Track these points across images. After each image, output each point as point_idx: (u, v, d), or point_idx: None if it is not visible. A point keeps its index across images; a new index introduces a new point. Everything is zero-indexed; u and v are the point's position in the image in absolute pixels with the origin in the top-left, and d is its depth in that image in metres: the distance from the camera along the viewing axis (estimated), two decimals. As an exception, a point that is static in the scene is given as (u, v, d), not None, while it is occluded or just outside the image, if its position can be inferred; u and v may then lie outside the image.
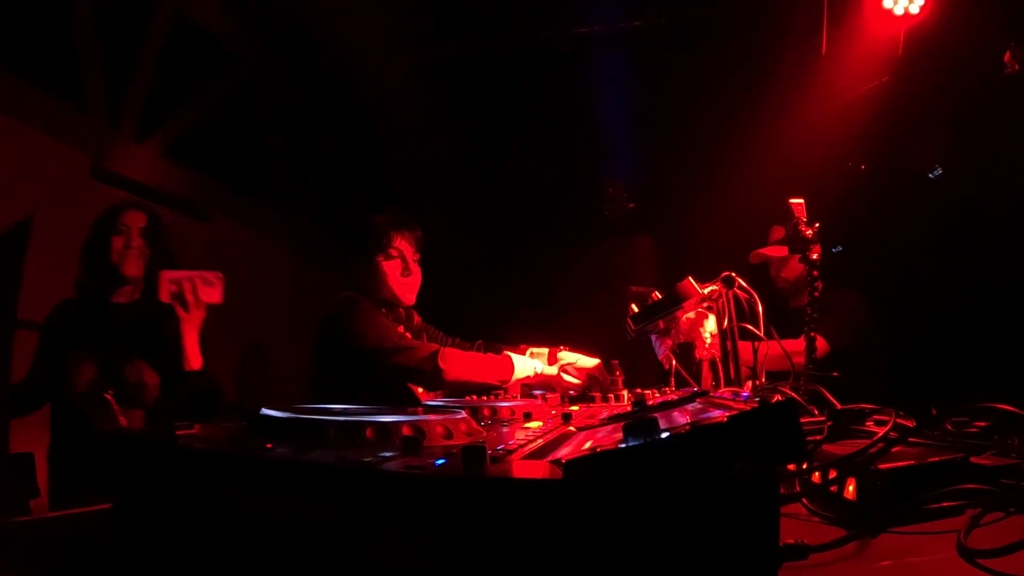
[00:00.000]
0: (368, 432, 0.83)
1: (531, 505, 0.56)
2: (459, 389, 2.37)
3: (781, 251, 2.99)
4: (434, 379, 2.36)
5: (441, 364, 2.31)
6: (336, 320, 2.51)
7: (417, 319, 2.79)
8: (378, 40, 5.04)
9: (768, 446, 0.58)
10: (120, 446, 0.93)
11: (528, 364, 2.43)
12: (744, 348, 1.91)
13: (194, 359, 2.28)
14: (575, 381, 2.45)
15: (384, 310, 2.58)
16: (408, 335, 2.61)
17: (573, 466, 0.57)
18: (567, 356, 2.53)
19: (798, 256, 1.80)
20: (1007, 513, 0.86)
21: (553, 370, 2.46)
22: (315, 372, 2.63)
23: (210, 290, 2.26)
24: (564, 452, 0.78)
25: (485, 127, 5.76)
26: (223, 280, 2.29)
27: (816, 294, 1.73)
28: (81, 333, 2.36)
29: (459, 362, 2.37)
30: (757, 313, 1.93)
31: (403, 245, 2.61)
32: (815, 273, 1.73)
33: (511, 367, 2.39)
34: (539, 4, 4.89)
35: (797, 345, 1.88)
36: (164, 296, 2.24)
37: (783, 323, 2.18)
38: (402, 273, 2.60)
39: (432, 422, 0.88)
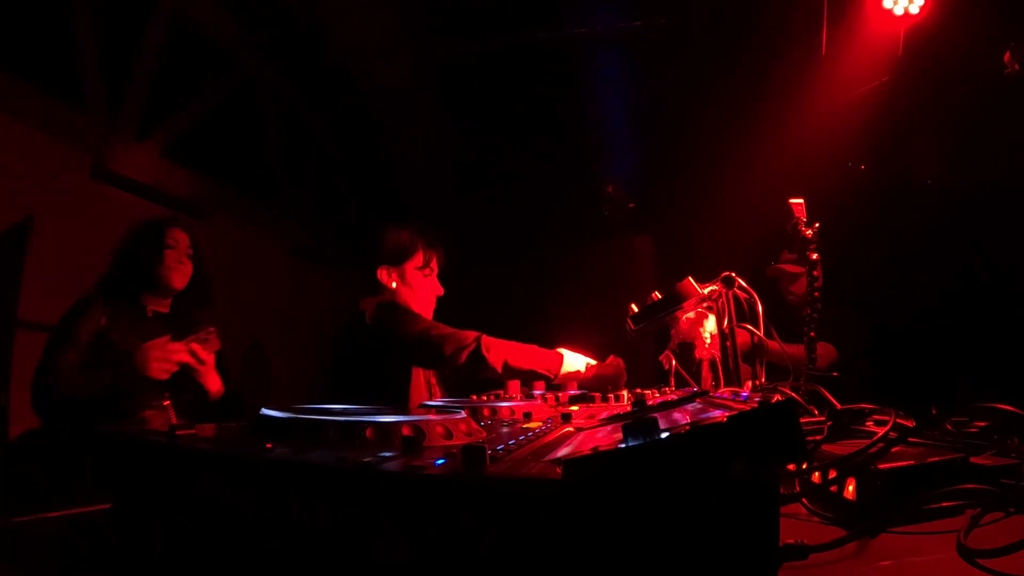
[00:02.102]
0: (368, 432, 0.83)
1: (530, 505, 0.56)
2: (512, 376, 2.35)
3: (797, 268, 3.06)
4: (479, 365, 2.38)
5: (484, 353, 2.35)
6: (378, 324, 2.56)
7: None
8: (378, 40, 5.04)
9: (768, 446, 0.58)
10: (120, 446, 0.93)
11: (580, 360, 2.43)
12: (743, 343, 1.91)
13: (214, 385, 2.50)
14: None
15: None
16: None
17: (572, 466, 0.57)
18: (568, 355, 2.52)
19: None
20: (1007, 513, 0.86)
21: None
22: (340, 382, 2.71)
23: (210, 343, 2.45)
24: (564, 452, 0.77)
25: (485, 127, 5.75)
26: (216, 329, 2.48)
27: (816, 294, 1.73)
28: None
29: (502, 349, 2.39)
30: (757, 313, 1.93)
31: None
32: (815, 273, 1.73)
33: (560, 359, 2.40)
34: (539, 5, 4.89)
35: (799, 350, 1.88)
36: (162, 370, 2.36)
37: (786, 336, 2.18)
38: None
39: (432, 422, 0.87)
